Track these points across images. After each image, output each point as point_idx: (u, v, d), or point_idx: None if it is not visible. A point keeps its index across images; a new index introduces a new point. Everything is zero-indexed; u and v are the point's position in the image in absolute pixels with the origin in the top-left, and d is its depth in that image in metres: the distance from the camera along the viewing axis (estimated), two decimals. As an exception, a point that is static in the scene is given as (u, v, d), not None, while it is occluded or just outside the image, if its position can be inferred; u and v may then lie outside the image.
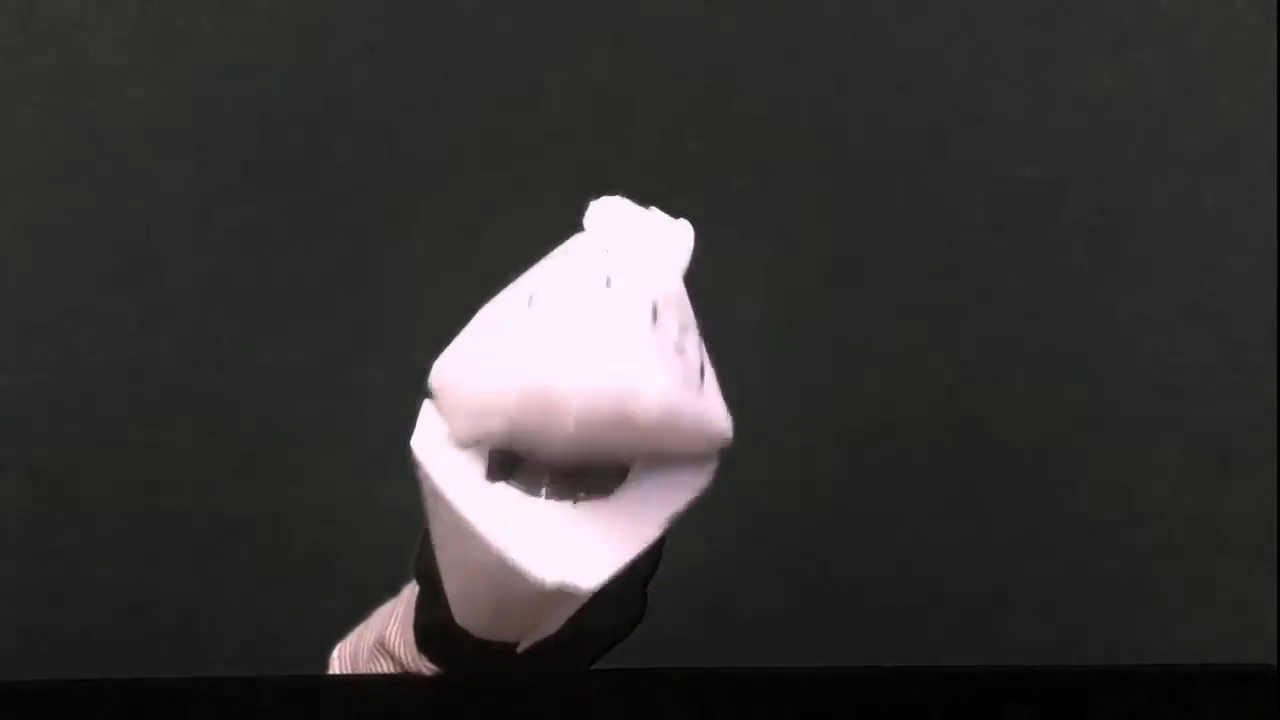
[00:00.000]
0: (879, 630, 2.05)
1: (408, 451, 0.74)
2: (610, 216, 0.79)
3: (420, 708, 0.80)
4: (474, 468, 0.73)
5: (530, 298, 0.72)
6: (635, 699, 0.74)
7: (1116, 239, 2.09)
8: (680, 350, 0.71)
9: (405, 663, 0.83)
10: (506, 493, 0.71)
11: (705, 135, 1.91)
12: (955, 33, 2.01)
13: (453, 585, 0.75)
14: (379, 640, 0.86)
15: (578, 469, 0.71)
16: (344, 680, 0.86)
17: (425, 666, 0.82)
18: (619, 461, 0.72)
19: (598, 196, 0.81)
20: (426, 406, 0.75)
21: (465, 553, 0.72)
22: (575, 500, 0.72)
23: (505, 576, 0.69)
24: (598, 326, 0.69)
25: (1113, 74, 2.00)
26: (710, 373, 0.74)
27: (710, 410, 0.73)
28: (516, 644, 0.75)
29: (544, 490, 0.71)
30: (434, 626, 0.79)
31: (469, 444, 0.73)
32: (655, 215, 0.80)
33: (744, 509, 1.73)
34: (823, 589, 2.08)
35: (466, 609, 0.75)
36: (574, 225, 0.80)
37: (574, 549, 0.70)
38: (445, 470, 0.73)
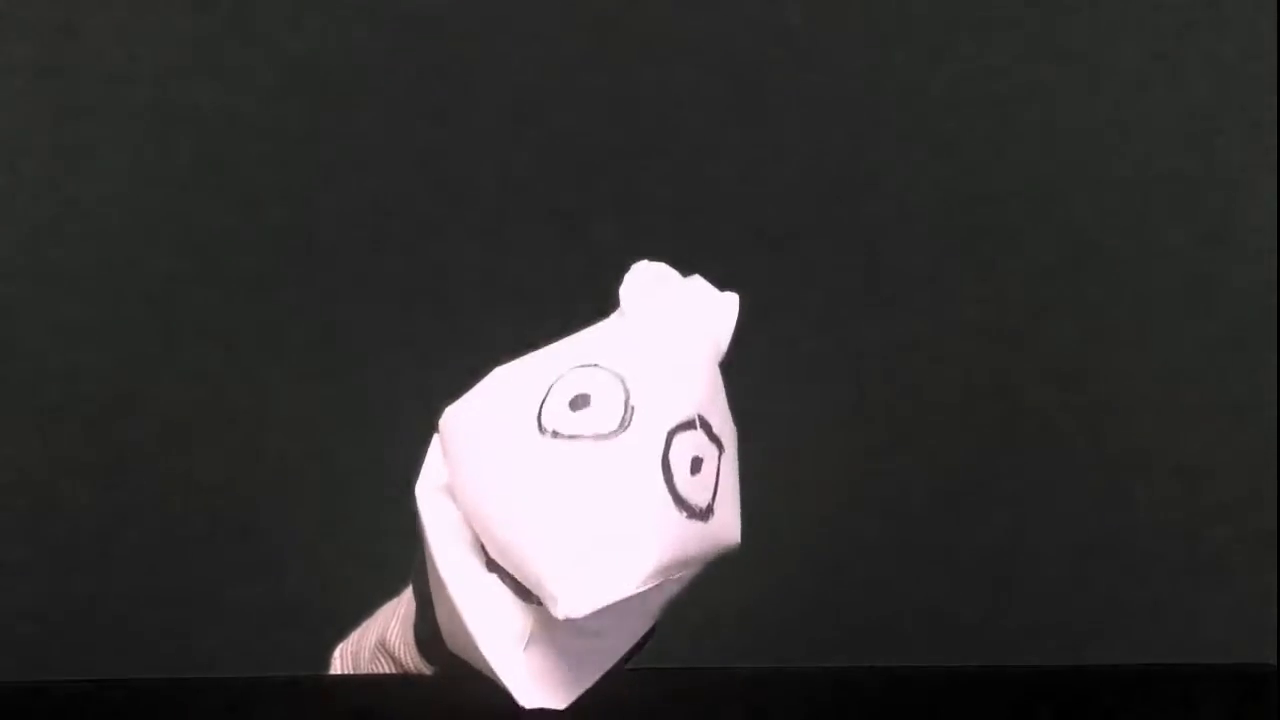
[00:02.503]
0: (879, 631, 2.06)
1: (412, 494, 0.74)
2: (647, 286, 0.75)
3: (421, 709, 0.80)
4: (472, 534, 0.72)
5: (539, 416, 0.70)
6: (635, 699, 0.74)
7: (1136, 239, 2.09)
8: (688, 489, 0.69)
9: (406, 664, 0.83)
10: (498, 591, 0.71)
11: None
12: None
13: (444, 625, 0.76)
14: (380, 641, 0.86)
15: None
16: (344, 680, 0.86)
17: (426, 667, 0.82)
18: None
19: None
20: (435, 446, 0.74)
21: (455, 625, 0.72)
22: None
23: (495, 679, 0.70)
24: (598, 498, 0.67)
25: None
26: (726, 483, 0.72)
27: (712, 538, 0.71)
28: None
29: (536, 596, 0.70)
30: (430, 634, 0.80)
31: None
32: (698, 285, 0.76)
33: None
34: (829, 590, 2.08)
35: (457, 646, 0.76)
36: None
37: (556, 667, 0.70)
38: (444, 537, 0.72)
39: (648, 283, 0.76)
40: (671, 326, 0.74)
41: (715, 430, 0.72)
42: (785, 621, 2.02)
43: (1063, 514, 2.14)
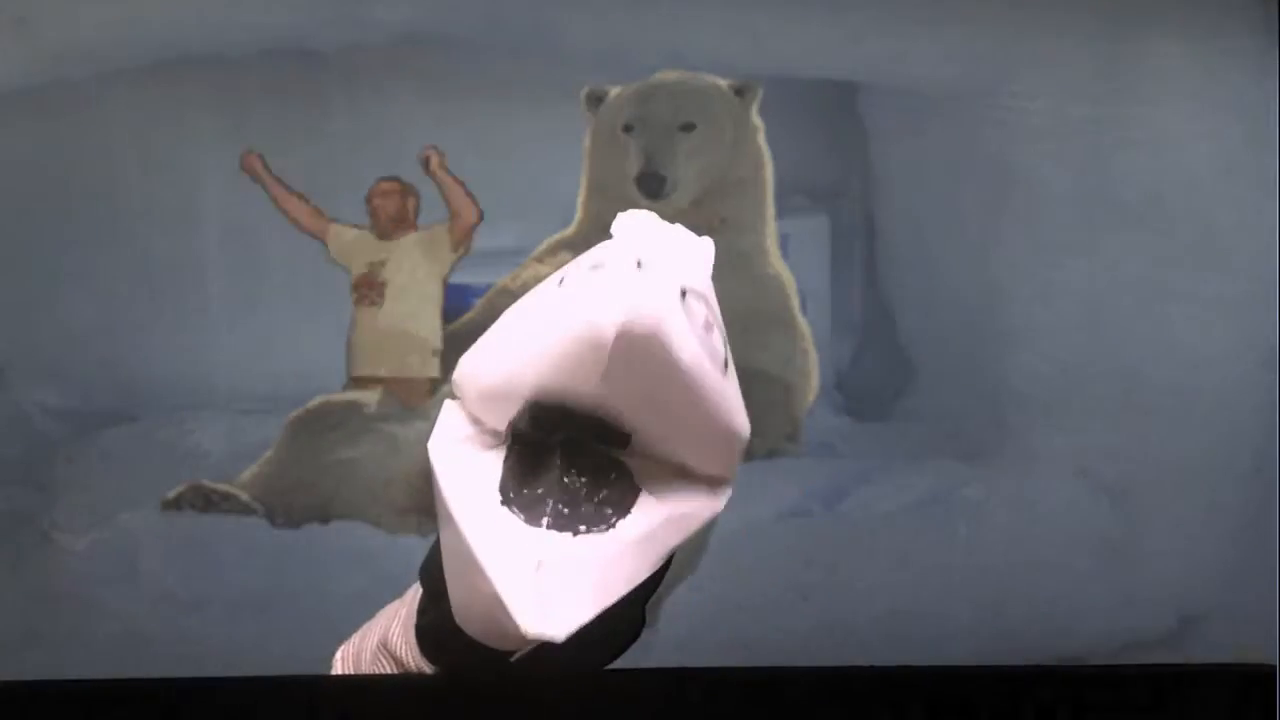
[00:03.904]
0: (884, 630, 2.06)
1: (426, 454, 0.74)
2: (637, 226, 0.78)
3: (420, 708, 0.80)
4: (488, 481, 0.73)
5: (561, 279, 0.73)
6: (634, 698, 0.74)
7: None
8: (706, 340, 0.72)
9: (407, 663, 0.83)
10: (510, 521, 0.72)
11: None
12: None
13: (455, 593, 0.76)
14: (382, 642, 0.86)
15: (588, 482, 0.72)
16: (346, 680, 0.86)
17: (428, 668, 0.82)
18: (645, 426, 0.72)
19: None
20: (447, 406, 0.76)
21: (464, 568, 0.73)
22: (575, 532, 0.72)
23: (498, 612, 0.71)
24: (632, 288, 0.70)
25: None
26: (732, 369, 0.74)
27: (733, 395, 0.73)
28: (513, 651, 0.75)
29: (545, 520, 0.72)
30: (435, 629, 0.80)
31: (491, 430, 0.74)
32: (679, 230, 0.79)
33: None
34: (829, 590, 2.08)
35: (466, 616, 0.76)
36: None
37: (559, 593, 0.71)
38: (458, 484, 0.73)
39: (635, 225, 0.78)
40: (664, 246, 0.77)
41: (716, 321, 0.74)
42: (782, 622, 2.01)
43: (1062, 514, 2.14)
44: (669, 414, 0.72)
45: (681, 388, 0.71)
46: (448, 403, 0.76)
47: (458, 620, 0.76)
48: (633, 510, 0.73)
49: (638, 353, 0.69)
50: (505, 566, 0.71)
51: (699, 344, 0.71)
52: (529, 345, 0.72)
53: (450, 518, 0.73)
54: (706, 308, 0.74)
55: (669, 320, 0.70)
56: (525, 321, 0.73)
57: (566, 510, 0.72)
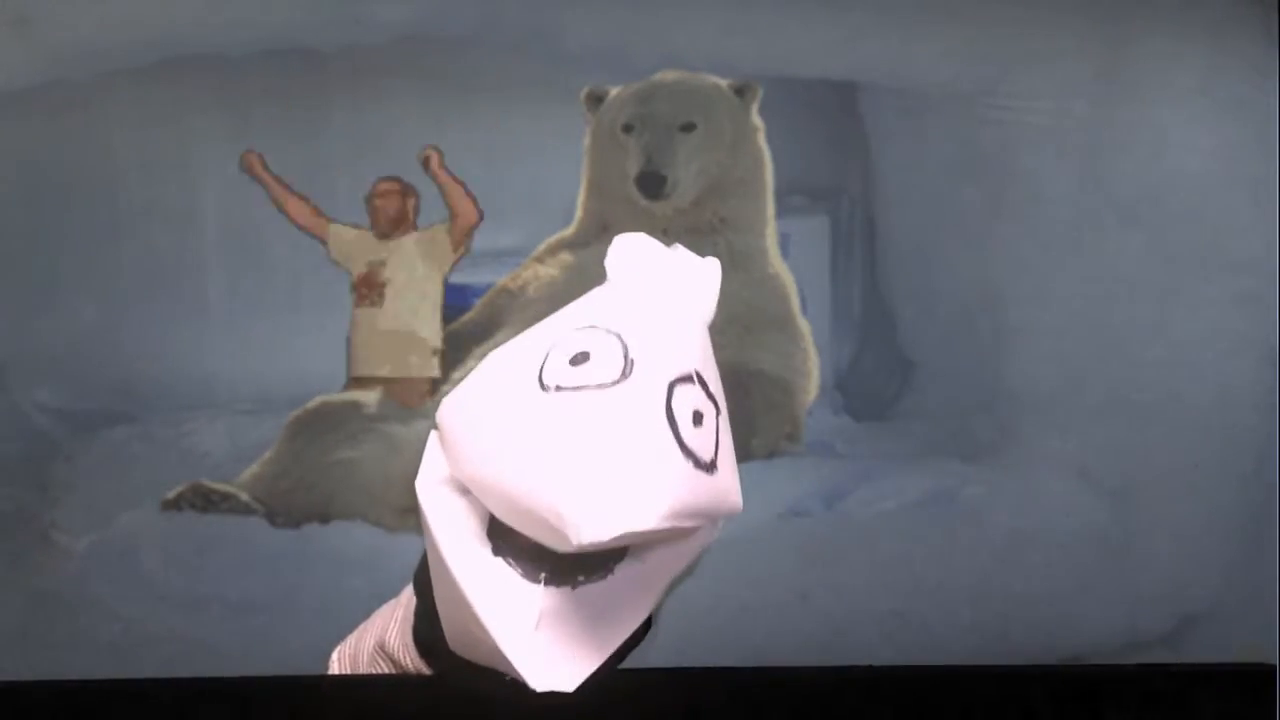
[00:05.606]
0: (884, 630, 2.05)
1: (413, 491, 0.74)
2: (633, 258, 0.76)
3: (420, 709, 0.80)
4: (477, 525, 0.73)
5: (540, 375, 0.71)
6: (634, 698, 0.74)
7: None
8: (693, 440, 0.70)
9: (404, 664, 0.83)
10: (505, 574, 0.71)
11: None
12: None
13: (452, 631, 0.76)
14: (379, 643, 0.85)
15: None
16: (344, 680, 0.86)
17: (425, 668, 0.82)
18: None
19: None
20: (433, 441, 0.75)
21: (462, 616, 0.72)
22: (574, 585, 0.72)
23: (500, 661, 0.71)
24: (608, 439, 0.68)
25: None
26: (726, 443, 0.73)
27: (719, 493, 0.72)
28: None
29: (543, 576, 0.71)
30: (431, 638, 0.80)
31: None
32: (680, 254, 0.78)
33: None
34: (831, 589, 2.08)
35: (460, 644, 0.76)
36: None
37: (565, 648, 0.71)
38: (447, 530, 0.73)
39: (632, 253, 0.76)
40: (660, 291, 0.75)
41: (711, 390, 0.73)
42: (782, 622, 2.01)
43: (1062, 514, 2.14)
44: (652, 547, 0.72)
45: (658, 540, 0.70)
46: (433, 435, 0.75)
47: (452, 646, 0.76)
48: (629, 552, 0.73)
49: (604, 544, 0.68)
50: (505, 624, 0.70)
51: (675, 498, 0.69)
52: (497, 491, 0.70)
53: (443, 564, 0.72)
54: (699, 389, 0.72)
55: (638, 516, 0.67)
56: (497, 437, 0.71)
57: (564, 559, 0.71)
